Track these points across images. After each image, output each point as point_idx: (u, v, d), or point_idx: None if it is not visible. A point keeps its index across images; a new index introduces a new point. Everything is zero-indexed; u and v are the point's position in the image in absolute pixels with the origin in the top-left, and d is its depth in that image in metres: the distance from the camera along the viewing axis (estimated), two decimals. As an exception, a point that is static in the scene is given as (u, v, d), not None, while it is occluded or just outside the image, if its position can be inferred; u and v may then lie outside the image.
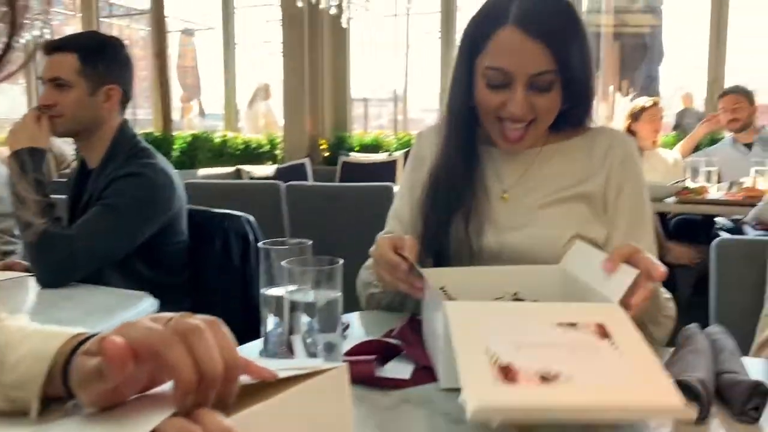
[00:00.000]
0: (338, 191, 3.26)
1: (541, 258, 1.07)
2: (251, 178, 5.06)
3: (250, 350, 0.98)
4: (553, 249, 1.06)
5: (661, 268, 0.87)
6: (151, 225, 1.64)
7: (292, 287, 0.79)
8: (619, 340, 0.67)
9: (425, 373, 0.88)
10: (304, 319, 0.78)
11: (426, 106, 7.10)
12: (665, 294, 1.12)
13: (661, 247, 2.68)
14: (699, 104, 5.25)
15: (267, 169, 5.37)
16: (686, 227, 3.47)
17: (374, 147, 5.86)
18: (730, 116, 3.87)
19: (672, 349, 0.94)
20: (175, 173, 1.72)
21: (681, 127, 5.39)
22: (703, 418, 0.73)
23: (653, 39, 6.16)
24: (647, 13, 6.17)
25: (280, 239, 0.92)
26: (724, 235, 3.17)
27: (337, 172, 5.44)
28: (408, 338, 1.01)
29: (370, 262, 1.24)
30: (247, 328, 0.99)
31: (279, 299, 0.84)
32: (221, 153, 6.06)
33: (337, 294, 0.78)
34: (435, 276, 0.98)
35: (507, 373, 0.62)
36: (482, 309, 0.76)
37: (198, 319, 0.49)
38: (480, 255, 1.19)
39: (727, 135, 4.10)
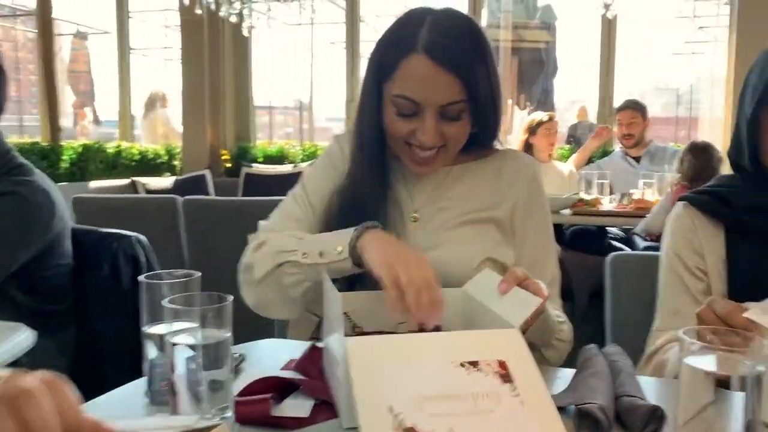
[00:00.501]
0: (240, 205, 3.14)
1: (453, 279, 1.05)
2: (148, 191, 4.84)
3: (135, 389, 0.91)
4: (465, 271, 1.05)
5: (544, 293, 0.92)
6: (27, 249, 1.50)
7: (177, 324, 0.73)
8: (520, 384, 0.67)
9: (325, 408, 0.84)
10: (189, 355, 0.72)
11: (332, 115, 7.08)
12: (559, 318, 1.14)
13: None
14: (593, 117, 5.50)
15: (165, 182, 5.15)
16: (581, 237, 3.60)
17: (279, 158, 5.75)
18: (625, 131, 4.04)
19: (571, 371, 0.95)
20: (56, 191, 1.58)
21: (575, 139, 5.63)
22: (603, 444, 0.74)
23: (548, 54, 6.43)
24: (543, 29, 6.43)
25: (167, 271, 0.86)
26: (617, 245, 3.32)
27: (239, 184, 5.29)
28: (308, 370, 0.96)
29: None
30: (137, 360, 0.91)
31: (162, 337, 0.78)
32: (115, 164, 5.73)
33: (225, 334, 0.72)
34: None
35: None
36: (383, 346, 0.73)
37: (32, 379, 0.42)
38: None
39: (617, 148, 4.30)
